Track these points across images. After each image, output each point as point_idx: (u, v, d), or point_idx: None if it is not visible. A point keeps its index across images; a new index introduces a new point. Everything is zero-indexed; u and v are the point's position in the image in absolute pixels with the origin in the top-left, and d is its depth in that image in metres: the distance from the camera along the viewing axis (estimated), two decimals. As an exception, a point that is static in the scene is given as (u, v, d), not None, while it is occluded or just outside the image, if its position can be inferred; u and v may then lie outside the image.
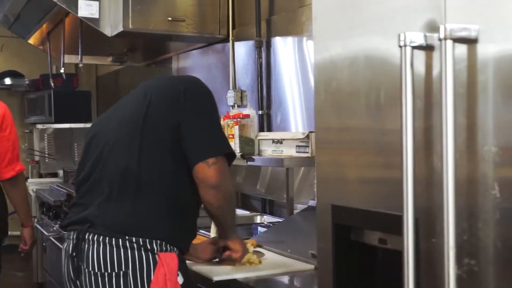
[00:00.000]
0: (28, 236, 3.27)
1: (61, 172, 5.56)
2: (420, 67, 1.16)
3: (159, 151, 1.84)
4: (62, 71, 4.44)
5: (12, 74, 6.49)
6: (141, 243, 1.77)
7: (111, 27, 3.73)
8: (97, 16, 3.69)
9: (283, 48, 3.34)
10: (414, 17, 1.18)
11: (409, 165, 1.14)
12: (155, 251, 1.78)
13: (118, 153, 1.86)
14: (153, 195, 1.82)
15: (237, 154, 2.10)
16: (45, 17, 4.27)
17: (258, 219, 3.20)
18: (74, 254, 1.82)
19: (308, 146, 2.62)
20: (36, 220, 4.87)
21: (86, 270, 1.78)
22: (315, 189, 2.49)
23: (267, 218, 3.16)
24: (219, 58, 4.06)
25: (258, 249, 2.26)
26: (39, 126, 5.91)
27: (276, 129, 3.42)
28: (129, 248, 1.76)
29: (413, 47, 1.14)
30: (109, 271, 1.75)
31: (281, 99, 3.38)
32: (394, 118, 1.22)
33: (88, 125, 6.06)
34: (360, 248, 1.41)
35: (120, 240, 1.77)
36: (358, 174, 1.35)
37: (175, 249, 1.83)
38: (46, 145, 5.89)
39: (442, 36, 1.05)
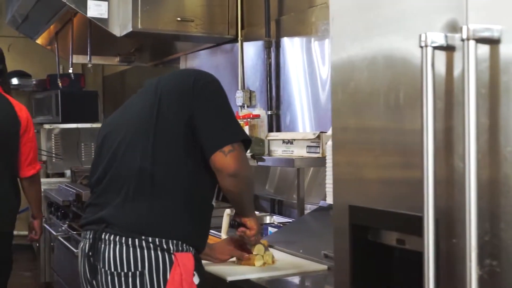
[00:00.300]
0: (38, 227, 3.58)
1: (68, 172, 5.57)
2: (441, 68, 1.16)
3: (172, 149, 1.83)
4: (70, 71, 4.44)
5: (19, 74, 6.50)
6: (157, 243, 1.77)
7: (120, 27, 3.73)
8: (106, 16, 3.70)
9: (292, 48, 3.34)
10: (434, 17, 1.18)
11: (430, 165, 1.14)
12: (171, 251, 1.78)
13: (132, 152, 1.85)
14: (168, 194, 1.82)
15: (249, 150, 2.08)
16: (53, 17, 4.27)
17: (267, 220, 3.20)
18: (90, 253, 1.82)
19: (319, 147, 2.62)
20: (44, 220, 4.89)
21: (103, 269, 1.78)
22: (326, 190, 2.50)
23: (277, 219, 3.15)
24: (227, 59, 4.06)
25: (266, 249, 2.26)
26: (46, 126, 5.93)
27: (285, 130, 3.42)
28: (145, 248, 1.76)
29: (434, 48, 1.14)
30: (125, 270, 1.75)
31: (290, 99, 3.38)
32: (413, 118, 1.22)
33: (95, 125, 6.07)
34: (377, 248, 1.41)
35: (136, 240, 1.77)
36: (377, 175, 1.35)
37: (191, 248, 1.83)
38: (53, 145, 5.90)
39: (464, 36, 1.05)
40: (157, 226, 1.79)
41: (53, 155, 5.80)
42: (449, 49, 1.14)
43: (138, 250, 1.76)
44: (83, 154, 5.99)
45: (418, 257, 1.21)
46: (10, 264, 3.48)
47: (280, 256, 2.20)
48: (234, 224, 2.08)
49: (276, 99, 3.47)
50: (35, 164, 3.40)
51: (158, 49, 4.97)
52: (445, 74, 1.15)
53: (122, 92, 6.54)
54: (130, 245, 1.77)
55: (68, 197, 4.16)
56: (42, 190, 4.89)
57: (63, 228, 4.17)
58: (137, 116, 1.91)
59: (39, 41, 5.22)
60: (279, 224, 2.80)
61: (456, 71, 1.13)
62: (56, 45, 4.94)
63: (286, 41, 3.39)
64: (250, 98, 3.51)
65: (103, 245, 1.80)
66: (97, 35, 4.25)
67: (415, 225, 1.19)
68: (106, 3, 3.67)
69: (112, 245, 1.78)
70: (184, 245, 1.81)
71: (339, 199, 1.45)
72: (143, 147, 1.83)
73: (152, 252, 1.76)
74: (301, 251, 2.22)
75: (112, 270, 1.77)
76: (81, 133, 5.98)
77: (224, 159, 1.81)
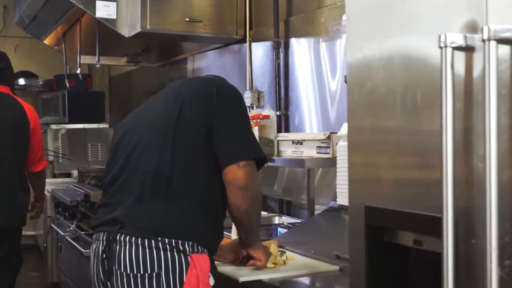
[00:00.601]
0: (40, 208, 3.98)
1: (74, 172, 5.57)
2: (460, 68, 1.15)
3: (191, 152, 1.83)
4: (78, 71, 4.45)
5: (26, 74, 6.52)
6: (173, 244, 1.77)
7: (128, 28, 3.73)
8: (114, 16, 3.70)
9: (300, 49, 3.34)
10: (452, 17, 1.18)
11: (449, 166, 1.13)
12: (187, 253, 1.78)
13: (150, 153, 1.85)
14: (184, 196, 1.81)
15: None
16: (61, 18, 4.28)
17: (276, 220, 3.20)
18: (104, 255, 1.81)
19: (329, 147, 2.62)
20: (51, 220, 4.89)
21: (118, 271, 1.78)
22: (337, 190, 2.50)
23: (285, 219, 3.15)
24: (235, 59, 4.06)
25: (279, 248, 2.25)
26: (53, 127, 5.93)
27: (294, 130, 3.41)
28: (161, 249, 1.76)
29: (453, 48, 1.13)
30: (141, 272, 1.75)
31: (298, 100, 3.38)
32: (431, 119, 1.21)
33: (102, 125, 6.09)
34: (392, 249, 1.41)
35: (152, 241, 1.76)
36: (393, 175, 1.34)
37: (206, 250, 1.83)
38: (60, 145, 5.90)
39: (485, 37, 1.05)
40: (173, 228, 1.79)
41: (61, 155, 5.80)
42: (468, 49, 1.14)
43: (154, 251, 1.76)
44: (89, 154, 6.00)
45: (435, 258, 1.21)
46: (20, 260, 3.66)
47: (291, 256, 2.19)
48: (242, 261, 2.06)
49: (285, 99, 3.47)
50: (43, 161, 3.75)
51: (165, 50, 4.98)
52: (464, 75, 1.15)
53: (129, 92, 6.55)
54: (146, 246, 1.76)
55: (76, 197, 4.16)
56: (50, 190, 4.92)
57: (71, 228, 4.17)
58: (157, 118, 1.90)
59: (46, 41, 5.23)
60: (288, 225, 2.80)
61: (476, 72, 1.13)
62: (63, 46, 4.95)
63: (295, 42, 3.39)
64: (258, 98, 3.51)
65: (118, 247, 1.79)
66: (104, 35, 4.26)
67: (433, 225, 1.19)
68: (115, 3, 3.68)
69: (127, 247, 1.77)
70: (200, 246, 1.80)
71: (354, 199, 1.45)
72: (160, 149, 1.83)
73: (168, 253, 1.76)
74: (312, 251, 2.22)
75: (128, 271, 1.76)
76: (88, 133, 5.98)
77: (237, 172, 1.81)
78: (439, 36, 1.13)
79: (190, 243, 1.78)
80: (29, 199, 3.67)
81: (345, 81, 2.49)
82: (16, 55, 6.80)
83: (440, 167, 1.14)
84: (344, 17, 2.94)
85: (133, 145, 1.89)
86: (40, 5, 4.17)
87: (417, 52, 1.26)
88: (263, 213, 3.34)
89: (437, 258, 1.18)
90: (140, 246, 1.76)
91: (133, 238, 1.78)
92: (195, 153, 1.83)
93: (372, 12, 1.39)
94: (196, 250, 1.79)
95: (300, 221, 3.10)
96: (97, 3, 3.64)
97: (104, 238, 1.83)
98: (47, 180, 5.62)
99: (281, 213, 3.40)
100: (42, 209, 4.05)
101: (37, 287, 5.38)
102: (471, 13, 1.14)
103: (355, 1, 1.43)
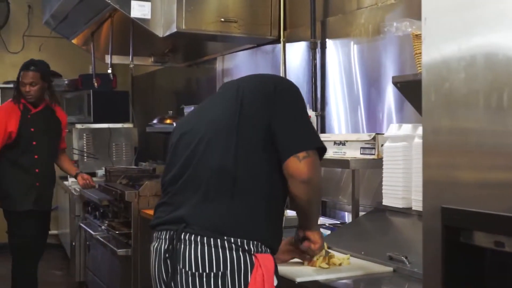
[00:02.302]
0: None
1: (99, 172, 5.59)
2: (552, 68, 1.14)
3: (254, 150, 1.83)
4: (109, 71, 4.47)
5: (51, 74, 6.52)
6: (239, 243, 1.76)
7: (162, 28, 3.74)
8: (149, 16, 3.71)
9: (338, 50, 3.33)
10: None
11: (542, 167, 1.12)
12: (252, 252, 1.78)
13: (213, 152, 1.84)
14: (250, 195, 1.81)
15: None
16: (94, 18, 4.30)
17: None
18: (167, 254, 1.81)
19: (374, 148, 2.61)
20: (80, 219, 4.91)
21: (183, 270, 1.77)
22: (383, 192, 2.49)
23: (323, 220, 3.14)
24: (267, 60, 4.06)
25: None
26: (78, 126, 5.96)
27: (330, 131, 3.41)
28: (227, 249, 1.76)
29: (547, 48, 1.12)
30: (207, 271, 1.74)
31: (334, 100, 3.38)
32: (519, 120, 1.20)
33: (126, 125, 6.10)
34: (467, 251, 1.40)
35: (218, 240, 1.76)
36: (473, 176, 1.33)
37: (269, 250, 1.83)
38: (84, 144, 5.92)
39: None
40: (238, 227, 1.78)
41: (86, 154, 5.82)
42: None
43: (219, 250, 1.75)
44: (114, 154, 6.01)
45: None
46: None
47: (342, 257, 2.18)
48: (298, 239, 2.06)
49: (321, 100, 3.46)
50: (64, 143, 4.60)
51: (192, 50, 4.98)
52: (557, 75, 1.14)
53: (152, 92, 6.56)
54: (212, 245, 1.76)
55: (107, 197, 4.17)
56: (78, 190, 4.94)
57: (102, 227, 4.18)
58: (217, 116, 1.90)
59: (74, 41, 5.25)
60: (330, 226, 2.79)
61: None
62: (92, 45, 4.97)
63: (332, 43, 3.38)
64: (294, 99, 3.49)
65: (182, 245, 1.79)
66: (129, 35, 4.27)
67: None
68: (149, 3, 3.69)
69: (192, 245, 1.77)
70: (263, 246, 1.80)
71: (430, 201, 1.43)
72: (224, 147, 1.83)
73: (234, 252, 1.75)
74: (362, 252, 2.21)
75: (193, 270, 1.75)
76: (112, 133, 6.01)
77: (298, 164, 1.80)
78: (533, 36, 1.12)
79: (255, 242, 1.78)
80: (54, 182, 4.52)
81: (394, 83, 2.50)
82: (41, 55, 6.83)
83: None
84: (386, 18, 2.93)
85: (194, 144, 1.88)
86: (73, 4, 4.19)
87: (503, 52, 1.25)
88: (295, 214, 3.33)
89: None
90: (205, 245, 1.76)
91: (198, 237, 1.77)
92: (258, 150, 1.83)
93: (450, 11, 1.37)
94: (260, 250, 1.79)
95: (339, 222, 3.09)
96: (132, 3, 3.65)
97: (167, 237, 1.83)
98: (73, 180, 5.66)
99: (317, 214, 3.39)
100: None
101: (63, 286, 5.39)
102: None
103: (432, 1, 1.41)
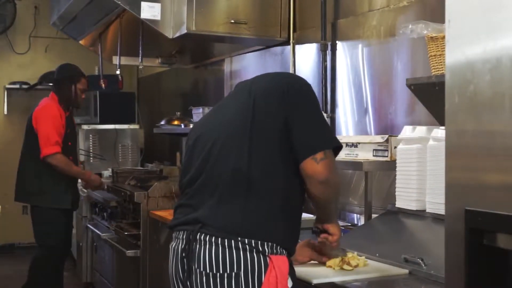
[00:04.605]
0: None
1: (105, 173, 5.59)
2: None
3: (268, 151, 1.83)
4: (118, 72, 4.47)
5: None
6: (253, 244, 1.77)
7: (172, 29, 3.74)
8: (158, 18, 3.71)
9: (349, 51, 3.33)
10: None
11: None
12: (266, 254, 1.78)
13: (228, 154, 1.84)
14: (264, 196, 1.81)
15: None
16: (103, 19, 4.30)
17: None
18: (183, 254, 1.82)
19: (387, 150, 2.61)
20: (87, 220, 4.91)
21: (198, 270, 1.78)
22: (396, 194, 2.49)
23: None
24: (276, 61, 4.06)
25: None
26: (84, 127, 5.96)
27: (339, 133, 3.40)
28: (241, 250, 1.76)
29: None
30: (221, 271, 1.75)
31: (343, 103, 3.38)
32: (546, 123, 1.20)
33: (133, 126, 6.10)
34: (490, 253, 1.39)
35: (232, 241, 1.76)
36: (499, 179, 1.33)
37: (285, 251, 1.83)
38: (91, 145, 5.93)
39: None
40: (253, 228, 1.79)
41: (92, 154, 5.81)
42: None
43: (234, 251, 1.76)
44: (120, 155, 6.01)
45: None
46: None
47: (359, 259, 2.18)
48: (316, 231, 2.07)
49: (331, 102, 3.46)
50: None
51: (200, 51, 4.99)
52: None
53: (158, 94, 6.56)
54: (226, 246, 1.76)
55: (116, 198, 4.17)
56: (85, 190, 4.94)
57: (110, 228, 4.18)
58: (231, 118, 1.90)
59: (82, 42, 5.25)
60: (342, 228, 2.78)
61: None
62: (100, 46, 4.97)
63: (342, 45, 3.38)
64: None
65: (198, 246, 1.79)
66: (136, 37, 4.27)
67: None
68: (159, 4, 3.68)
69: (207, 246, 1.78)
70: (279, 247, 1.80)
71: (453, 203, 1.43)
72: (238, 148, 1.83)
73: (248, 254, 1.76)
74: (377, 254, 2.21)
75: (208, 270, 1.76)
76: (118, 134, 6.01)
77: (315, 166, 1.80)
78: None
79: (270, 244, 1.78)
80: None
81: (407, 85, 2.50)
82: (47, 56, 6.84)
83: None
84: (398, 21, 2.93)
85: (210, 146, 1.89)
86: (83, 5, 4.19)
87: (530, 55, 1.25)
88: (310, 216, 3.33)
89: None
90: (220, 245, 1.76)
91: (213, 238, 1.78)
92: (273, 151, 1.83)
93: (475, 13, 1.37)
94: (275, 251, 1.79)
95: (349, 224, 3.09)
96: (142, 4, 3.65)
97: (184, 237, 1.84)
98: (80, 181, 5.67)
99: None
100: None
101: (70, 286, 5.38)
102: None
103: (456, 3, 1.41)
